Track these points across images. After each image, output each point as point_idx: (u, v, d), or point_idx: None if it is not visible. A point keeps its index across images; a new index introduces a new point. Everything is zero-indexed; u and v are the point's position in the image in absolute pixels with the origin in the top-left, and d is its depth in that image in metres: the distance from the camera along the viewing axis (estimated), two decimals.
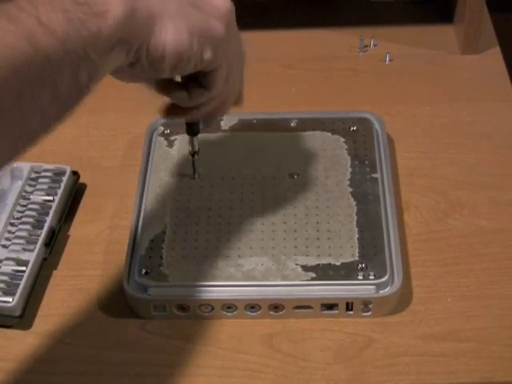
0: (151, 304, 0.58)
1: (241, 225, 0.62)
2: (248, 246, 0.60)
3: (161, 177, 0.66)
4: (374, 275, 0.58)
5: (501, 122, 0.75)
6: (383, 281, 0.57)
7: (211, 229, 0.62)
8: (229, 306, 0.58)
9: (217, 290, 0.58)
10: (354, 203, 0.63)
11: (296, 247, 0.60)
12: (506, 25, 0.90)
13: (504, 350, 0.56)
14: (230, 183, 0.65)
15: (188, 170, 0.66)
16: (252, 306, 0.58)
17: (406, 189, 0.68)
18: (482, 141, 0.73)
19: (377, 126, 0.70)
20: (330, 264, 0.59)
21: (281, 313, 0.58)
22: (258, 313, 0.59)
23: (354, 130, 0.69)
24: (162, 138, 0.70)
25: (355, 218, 0.62)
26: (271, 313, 0.58)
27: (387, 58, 0.84)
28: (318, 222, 0.62)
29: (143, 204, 0.64)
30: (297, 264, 0.59)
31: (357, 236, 0.60)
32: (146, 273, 0.59)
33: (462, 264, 0.62)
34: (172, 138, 0.70)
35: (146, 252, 0.60)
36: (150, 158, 0.68)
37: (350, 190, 0.64)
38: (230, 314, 0.59)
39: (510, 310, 0.59)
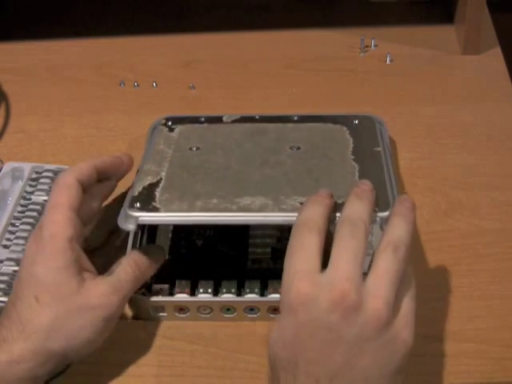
0: (150, 305, 0.58)
1: (239, 181, 0.59)
2: (248, 194, 0.58)
3: (160, 150, 0.64)
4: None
5: (501, 122, 0.75)
6: None
7: (208, 181, 0.59)
8: (228, 307, 0.58)
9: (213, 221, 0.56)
10: (356, 165, 0.61)
11: (294, 189, 0.58)
12: (506, 25, 0.90)
13: (505, 351, 0.56)
14: (229, 153, 0.63)
15: (188, 145, 0.65)
16: (251, 308, 0.58)
17: (407, 189, 0.68)
18: (482, 141, 0.73)
19: (379, 119, 0.70)
20: None
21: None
22: (257, 315, 0.58)
23: (356, 124, 0.68)
24: (163, 127, 0.68)
25: (357, 175, 0.60)
26: (270, 315, 0.58)
27: (388, 59, 0.84)
28: (317, 180, 0.59)
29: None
30: (296, 201, 0.56)
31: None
32: (139, 208, 0.56)
33: (462, 264, 0.62)
34: (173, 126, 0.69)
35: (139, 194, 0.58)
36: (152, 144, 0.66)
37: (352, 157, 0.62)
38: (229, 316, 0.59)
39: (511, 311, 0.59)
